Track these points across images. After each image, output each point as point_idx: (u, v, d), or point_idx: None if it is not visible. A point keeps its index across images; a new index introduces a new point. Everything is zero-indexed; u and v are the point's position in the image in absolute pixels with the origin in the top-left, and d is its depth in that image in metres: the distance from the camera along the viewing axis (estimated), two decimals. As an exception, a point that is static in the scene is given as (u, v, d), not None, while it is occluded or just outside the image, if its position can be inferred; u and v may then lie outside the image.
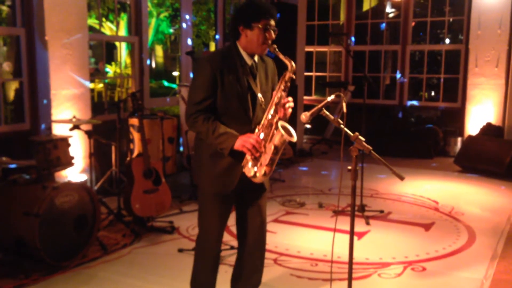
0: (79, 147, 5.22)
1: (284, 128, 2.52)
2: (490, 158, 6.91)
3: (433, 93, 12.32)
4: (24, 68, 5.10)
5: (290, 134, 2.52)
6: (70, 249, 3.71)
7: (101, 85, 13.98)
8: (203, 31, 18.57)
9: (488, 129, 7.79)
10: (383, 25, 10.54)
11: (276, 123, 2.56)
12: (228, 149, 2.58)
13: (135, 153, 5.39)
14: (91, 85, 7.79)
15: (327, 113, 2.49)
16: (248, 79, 2.66)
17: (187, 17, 7.38)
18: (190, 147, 5.67)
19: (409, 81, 9.46)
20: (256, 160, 2.58)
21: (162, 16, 19.39)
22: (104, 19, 16.43)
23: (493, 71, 8.00)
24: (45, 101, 5.08)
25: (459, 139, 8.31)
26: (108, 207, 4.52)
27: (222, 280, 3.08)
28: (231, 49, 2.68)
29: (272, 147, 2.54)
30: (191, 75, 7.25)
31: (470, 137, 7.67)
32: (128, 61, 15.33)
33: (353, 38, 9.92)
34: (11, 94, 7.08)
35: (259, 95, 2.68)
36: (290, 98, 2.63)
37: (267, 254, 3.96)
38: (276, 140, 2.53)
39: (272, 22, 2.61)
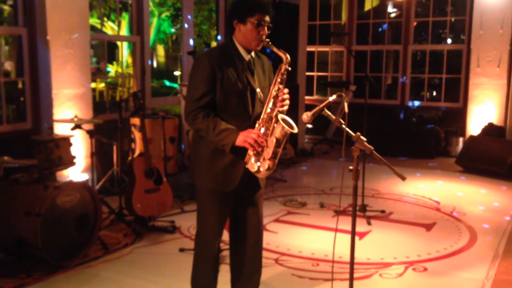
0: (80, 147, 5.23)
1: (284, 120, 2.52)
2: (492, 158, 6.90)
3: (434, 93, 12.31)
4: (26, 68, 5.10)
5: (290, 126, 2.52)
6: (71, 249, 3.72)
7: (102, 85, 13.97)
8: (204, 31, 18.56)
9: (490, 129, 7.78)
10: (385, 25, 10.53)
11: (276, 116, 2.56)
12: (229, 145, 2.56)
13: (137, 153, 5.39)
14: (93, 85, 7.80)
15: (329, 113, 2.49)
16: (246, 75, 2.66)
17: (189, 16, 7.38)
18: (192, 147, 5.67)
19: (410, 81, 9.45)
20: (258, 155, 2.58)
21: (163, 15, 19.39)
22: (105, 19, 16.44)
23: (495, 71, 7.99)
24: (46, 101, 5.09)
25: (461, 139, 8.29)
26: (110, 206, 4.52)
27: (223, 280, 3.08)
28: (228, 45, 2.68)
29: (274, 141, 2.54)
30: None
31: (471, 137, 7.66)
32: (130, 60, 15.33)
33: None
34: (13, 94, 7.09)
35: (258, 90, 2.68)
36: (286, 90, 2.62)
37: (268, 254, 3.97)
38: (277, 133, 2.53)
39: (267, 18, 2.60)
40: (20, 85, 5.47)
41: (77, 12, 5.22)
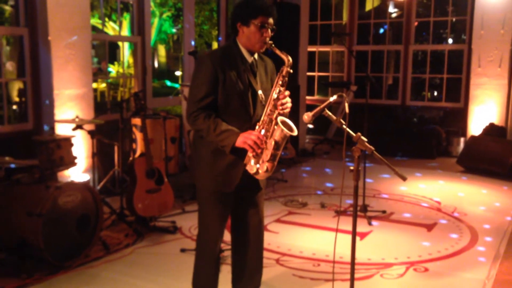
0: (82, 147, 5.24)
1: (284, 123, 2.53)
2: (493, 158, 6.90)
3: (435, 93, 12.30)
4: (27, 68, 5.11)
5: (290, 129, 2.53)
6: (72, 249, 3.72)
7: (103, 85, 13.99)
8: (205, 31, 18.56)
9: (491, 129, 7.77)
10: (386, 25, 10.52)
11: (276, 118, 2.57)
12: (229, 146, 2.57)
13: (138, 153, 5.39)
14: (94, 85, 7.80)
15: (329, 113, 2.50)
16: (248, 76, 2.66)
17: (190, 17, 7.39)
18: (193, 147, 5.67)
19: (411, 81, 9.45)
20: (257, 156, 2.58)
21: (164, 16, 19.38)
22: (107, 19, 16.44)
23: (496, 71, 7.98)
24: (47, 101, 5.09)
25: (462, 139, 8.29)
26: (111, 207, 4.53)
27: (224, 281, 3.08)
28: (231, 47, 2.69)
29: (273, 143, 2.54)
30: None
31: (472, 137, 7.65)
32: (131, 60, 15.33)
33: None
34: (14, 94, 7.11)
35: (260, 92, 2.68)
36: (287, 92, 2.62)
37: (269, 254, 3.97)
38: (277, 135, 2.54)
39: (271, 21, 2.61)
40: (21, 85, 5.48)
41: (78, 12, 5.22)
